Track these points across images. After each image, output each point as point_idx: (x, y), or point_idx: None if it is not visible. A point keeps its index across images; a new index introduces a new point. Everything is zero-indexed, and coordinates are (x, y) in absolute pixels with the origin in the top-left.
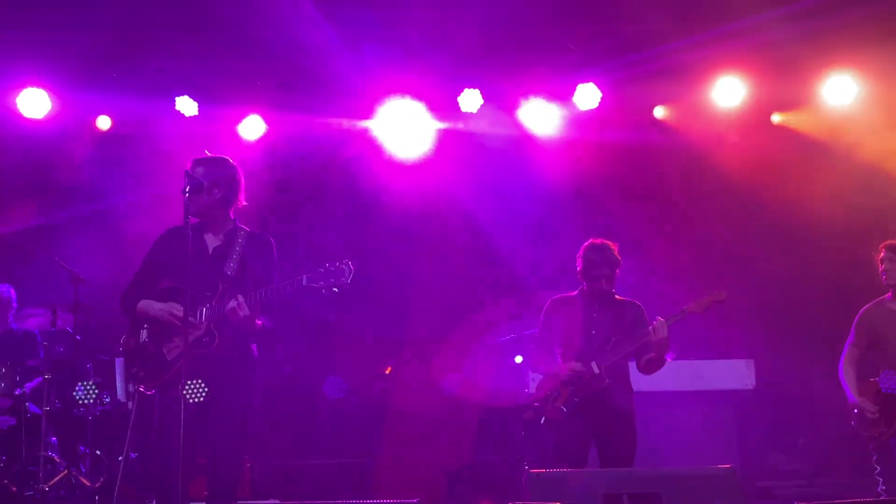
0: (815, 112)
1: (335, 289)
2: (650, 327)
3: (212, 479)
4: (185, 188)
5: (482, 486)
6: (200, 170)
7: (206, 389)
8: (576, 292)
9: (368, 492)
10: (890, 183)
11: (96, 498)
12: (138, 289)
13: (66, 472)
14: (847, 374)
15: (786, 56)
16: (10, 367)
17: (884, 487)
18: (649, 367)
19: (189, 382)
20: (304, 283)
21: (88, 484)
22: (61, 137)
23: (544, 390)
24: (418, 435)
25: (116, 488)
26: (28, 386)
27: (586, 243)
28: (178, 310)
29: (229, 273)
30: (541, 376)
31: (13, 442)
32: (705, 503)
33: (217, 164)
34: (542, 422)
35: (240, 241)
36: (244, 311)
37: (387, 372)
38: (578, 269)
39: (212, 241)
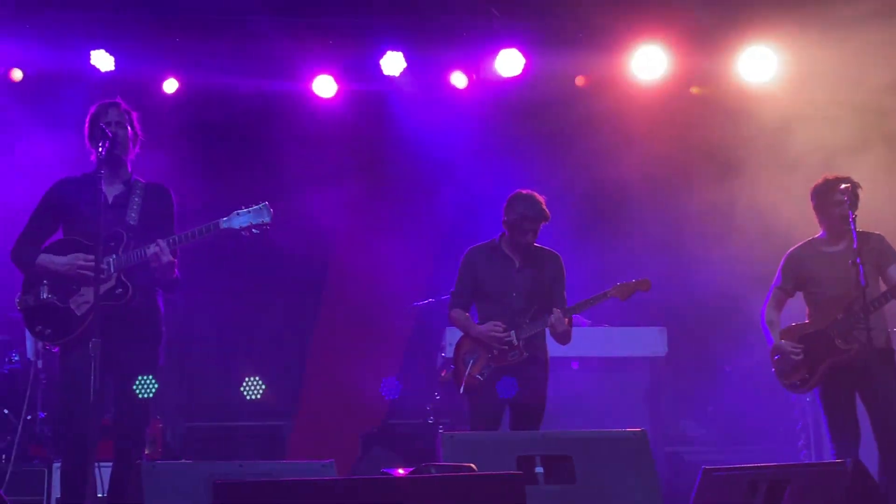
0: (735, 85)
1: (255, 230)
2: (550, 318)
3: (118, 439)
4: (103, 139)
5: (396, 449)
6: (112, 114)
7: (114, 346)
8: (495, 240)
9: (283, 454)
10: (807, 158)
11: (2, 457)
12: (31, 242)
13: None
14: (770, 319)
15: (705, 28)
16: None
17: (806, 452)
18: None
19: (97, 339)
20: (222, 225)
21: None
22: None
23: (461, 353)
24: (334, 398)
25: (14, 449)
26: None
27: (514, 193)
28: (84, 261)
29: (132, 222)
30: (458, 334)
31: None
32: (615, 465)
33: (126, 111)
34: (460, 391)
35: (138, 190)
36: (167, 257)
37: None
38: (504, 218)
39: (110, 190)
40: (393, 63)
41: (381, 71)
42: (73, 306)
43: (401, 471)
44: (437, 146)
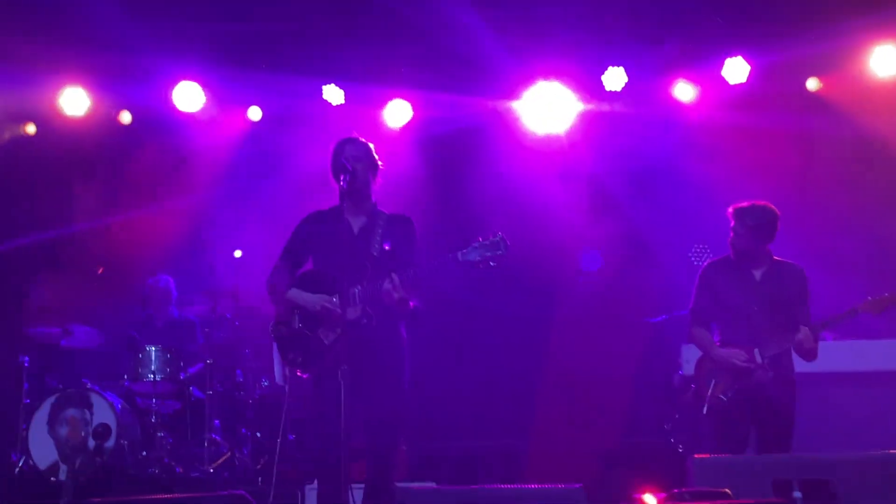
0: None
1: (492, 262)
2: (797, 336)
3: (370, 461)
4: (344, 174)
5: (638, 470)
6: (350, 149)
7: (362, 373)
8: (730, 255)
9: (520, 474)
10: None
11: (259, 479)
12: (284, 274)
13: (229, 453)
14: None
15: None
16: (174, 353)
17: None
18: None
19: (345, 367)
20: (460, 258)
21: (250, 465)
22: (216, 128)
23: (702, 373)
24: (568, 416)
25: (274, 469)
26: (190, 371)
27: (744, 205)
28: (329, 304)
29: (375, 254)
30: (696, 353)
31: (179, 425)
32: (881, 489)
33: (364, 145)
34: (703, 412)
35: (381, 221)
36: (399, 293)
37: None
38: (736, 231)
39: (355, 222)
40: (615, 78)
41: (602, 87)
42: (321, 335)
43: (652, 497)
44: (664, 160)
